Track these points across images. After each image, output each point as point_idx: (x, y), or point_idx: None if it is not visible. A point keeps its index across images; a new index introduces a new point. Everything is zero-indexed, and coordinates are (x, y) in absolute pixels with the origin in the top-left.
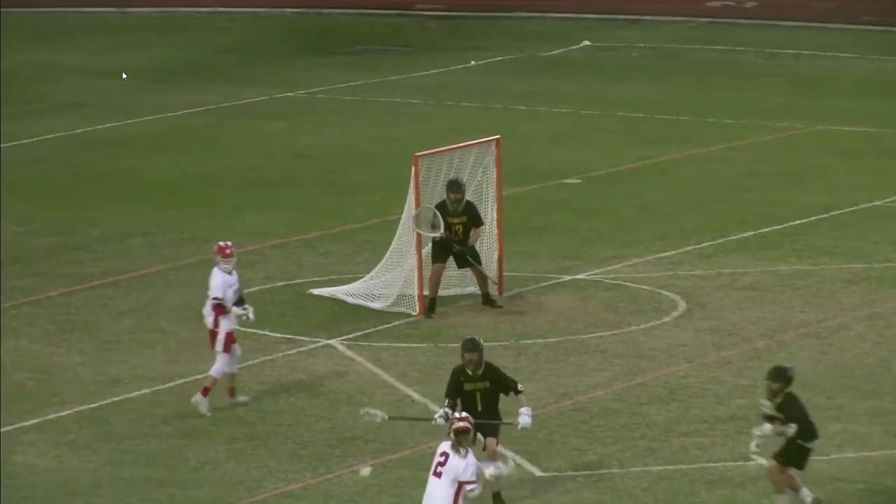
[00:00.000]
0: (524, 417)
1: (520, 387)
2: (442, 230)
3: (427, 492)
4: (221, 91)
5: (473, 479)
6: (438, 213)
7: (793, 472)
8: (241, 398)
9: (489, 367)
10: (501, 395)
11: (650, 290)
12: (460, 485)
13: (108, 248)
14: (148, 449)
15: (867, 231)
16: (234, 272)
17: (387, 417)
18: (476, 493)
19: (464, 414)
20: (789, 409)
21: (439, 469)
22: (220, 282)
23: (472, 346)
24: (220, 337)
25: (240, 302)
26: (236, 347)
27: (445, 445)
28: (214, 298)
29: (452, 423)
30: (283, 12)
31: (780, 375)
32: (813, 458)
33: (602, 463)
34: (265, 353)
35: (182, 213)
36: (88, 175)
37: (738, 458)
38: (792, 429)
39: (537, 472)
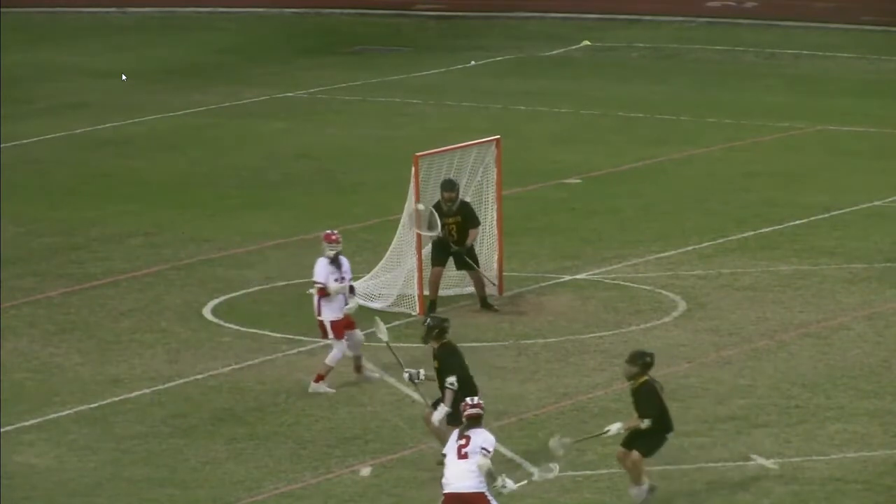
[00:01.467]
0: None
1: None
2: (439, 230)
3: (453, 472)
4: (221, 91)
5: (491, 448)
6: (435, 213)
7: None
8: (372, 374)
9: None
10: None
11: (650, 290)
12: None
13: (108, 248)
14: (148, 449)
15: (867, 231)
16: (343, 260)
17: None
18: (486, 461)
19: (476, 400)
20: (641, 397)
21: (464, 451)
22: (323, 268)
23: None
24: (327, 326)
25: (348, 290)
26: (356, 333)
27: (457, 433)
28: (316, 282)
29: (465, 409)
30: (283, 12)
31: (635, 359)
32: (813, 458)
33: (602, 463)
34: (265, 353)
35: (182, 213)
36: (88, 175)
37: (738, 458)
38: (645, 423)
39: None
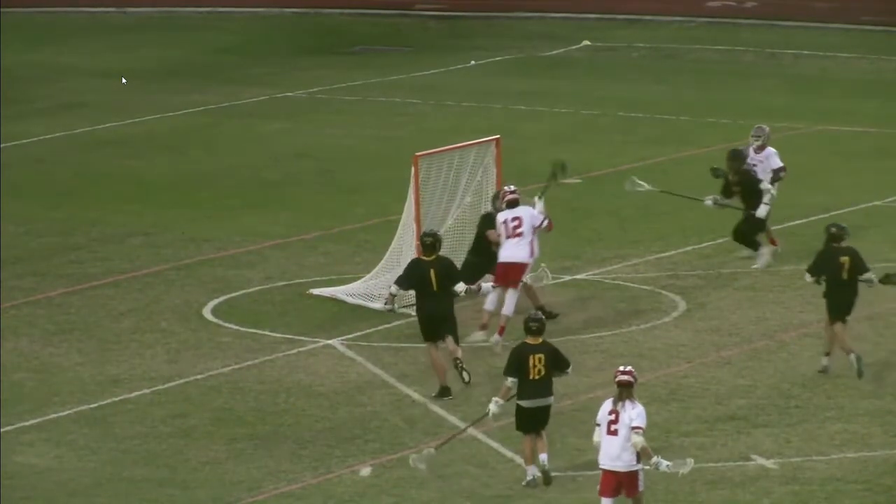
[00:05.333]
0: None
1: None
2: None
3: (607, 452)
4: (221, 91)
5: (642, 424)
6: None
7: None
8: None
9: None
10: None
11: (650, 290)
12: (632, 430)
13: (108, 248)
14: (148, 449)
15: (867, 231)
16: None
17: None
18: (640, 439)
19: (628, 367)
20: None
21: (613, 427)
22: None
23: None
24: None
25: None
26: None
27: (609, 403)
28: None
29: (616, 376)
30: (283, 12)
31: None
32: (813, 458)
33: None
34: (265, 353)
35: (182, 213)
36: (88, 175)
37: (738, 458)
38: (508, 382)
39: (538, 473)
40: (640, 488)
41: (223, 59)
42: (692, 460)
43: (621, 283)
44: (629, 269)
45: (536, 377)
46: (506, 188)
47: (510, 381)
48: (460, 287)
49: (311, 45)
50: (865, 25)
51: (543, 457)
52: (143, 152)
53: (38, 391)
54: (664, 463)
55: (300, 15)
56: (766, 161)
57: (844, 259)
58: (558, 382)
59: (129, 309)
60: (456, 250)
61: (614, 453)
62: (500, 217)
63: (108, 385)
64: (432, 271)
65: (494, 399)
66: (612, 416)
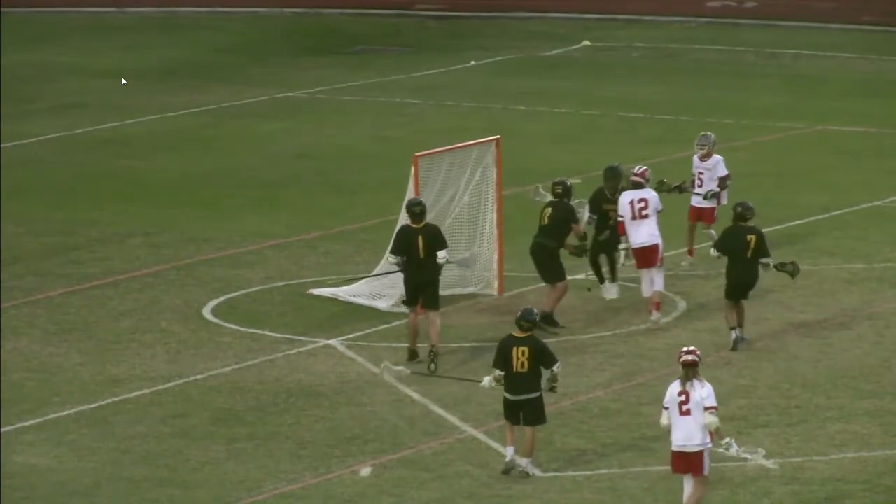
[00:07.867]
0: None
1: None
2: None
3: (681, 433)
4: (221, 91)
5: (715, 404)
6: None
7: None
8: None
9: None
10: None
11: None
12: (705, 410)
13: (108, 248)
14: (148, 449)
15: (867, 231)
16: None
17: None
18: (715, 419)
19: (691, 347)
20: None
21: (685, 408)
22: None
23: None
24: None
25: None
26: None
27: (677, 384)
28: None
29: (680, 357)
30: (283, 12)
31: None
32: (813, 458)
33: (602, 463)
34: (265, 353)
35: (182, 213)
36: (88, 175)
37: (739, 458)
38: (495, 374)
39: (537, 472)
40: (706, 471)
41: (223, 59)
42: (764, 451)
43: (621, 283)
44: (629, 269)
45: (520, 370)
46: (636, 168)
47: (497, 372)
48: (443, 254)
49: (311, 45)
50: (865, 25)
51: (510, 450)
52: (143, 152)
53: (38, 391)
54: (735, 447)
55: (300, 15)
56: (713, 169)
57: (751, 237)
58: (557, 383)
59: (129, 309)
60: (454, 250)
61: (689, 433)
62: (626, 197)
63: (108, 385)
64: (420, 238)
65: (487, 377)
66: (683, 398)
